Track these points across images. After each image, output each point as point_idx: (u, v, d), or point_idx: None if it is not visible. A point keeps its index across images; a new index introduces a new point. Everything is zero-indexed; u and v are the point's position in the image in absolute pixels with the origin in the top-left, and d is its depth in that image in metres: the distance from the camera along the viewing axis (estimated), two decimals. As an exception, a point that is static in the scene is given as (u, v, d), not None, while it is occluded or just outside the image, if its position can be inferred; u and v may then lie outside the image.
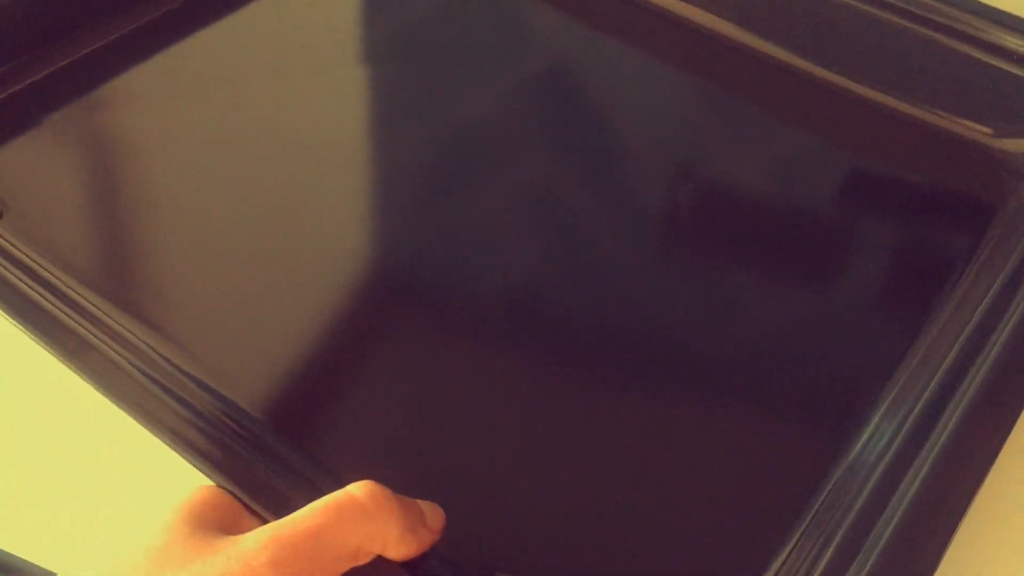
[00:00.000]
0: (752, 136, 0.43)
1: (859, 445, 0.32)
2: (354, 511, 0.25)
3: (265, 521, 0.26)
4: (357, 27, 0.48)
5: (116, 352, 0.31)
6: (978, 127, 0.42)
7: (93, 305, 0.33)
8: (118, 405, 0.30)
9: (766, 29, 0.45)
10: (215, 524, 0.25)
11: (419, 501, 0.28)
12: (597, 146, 0.42)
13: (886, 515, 0.28)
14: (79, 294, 0.33)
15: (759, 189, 0.41)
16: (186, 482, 0.29)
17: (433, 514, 0.28)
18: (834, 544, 0.28)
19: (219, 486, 0.27)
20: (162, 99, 0.43)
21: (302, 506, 0.25)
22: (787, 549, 0.30)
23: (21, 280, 0.33)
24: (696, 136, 0.43)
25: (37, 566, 0.31)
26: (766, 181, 0.41)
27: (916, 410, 0.31)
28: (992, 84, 0.41)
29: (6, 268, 0.34)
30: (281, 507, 0.27)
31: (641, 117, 0.44)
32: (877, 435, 0.32)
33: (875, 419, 0.32)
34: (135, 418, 0.29)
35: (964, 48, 0.42)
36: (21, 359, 0.35)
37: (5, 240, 0.35)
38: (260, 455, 0.29)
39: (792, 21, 0.45)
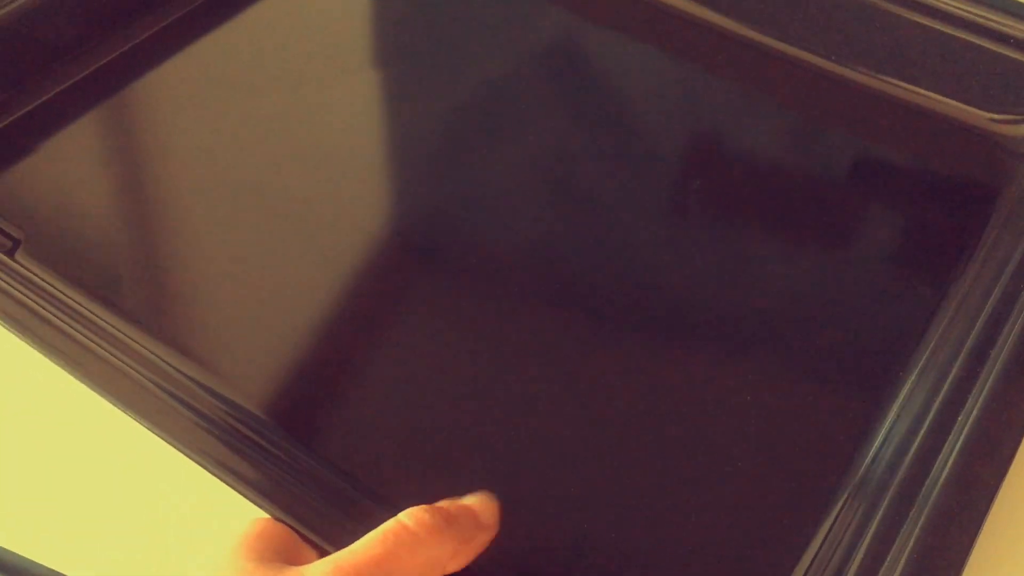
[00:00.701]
0: (752, 123, 0.43)
1: (882, 432, 0.32)
2: (408, 539, 0.25)
3: (323, 551, 0.27)
4: (368, 10, 0.48)
5: (148, 379, 0.31)
6: (978, 112, 0.42)
7: (121, 332, 0.33)
8: (158, 434, 0.30)
9: (767, 21, 0.46)
10: (277, 556, 0.25)
11: (469, 499, 0.28)
12: (607, 121, 0.43)
13: (920, 499, 0.29)
14: (105, 320, 0.33)
15: (760, 178, 0.41)
16: (194, 484, 0.29)
17: (486, 509, 0.28)
18: (875, 521, 0.29)
19: (275, 518, 0.28)
20: (172, 107, 0.43)
21: (348, 528, 0.26)
22: (828, 522, 0.31)
23: (45, 309, 0.33)
24: (699, 123, 0.44)
25: (45, 567, 0.31)
26: (768, 169, 0.42)
27: (933, 406, 0.32)
28: (991, 69, 0.42)
29: (29, 297, 0.33)
30: (331, 533, 0.27)
31: (651, 102, 0.44)
32: (899, 422, 0.32)
33: (891, 412, 0.33)
34: (176, 447, 0.29)
35: (963, 34, 0.42)
36: (33, 373, 0.34)
37: (26, 268, 0.35)
38: (303, 478, 0.29)
39: (794, 11, 0.45)
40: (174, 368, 0.33)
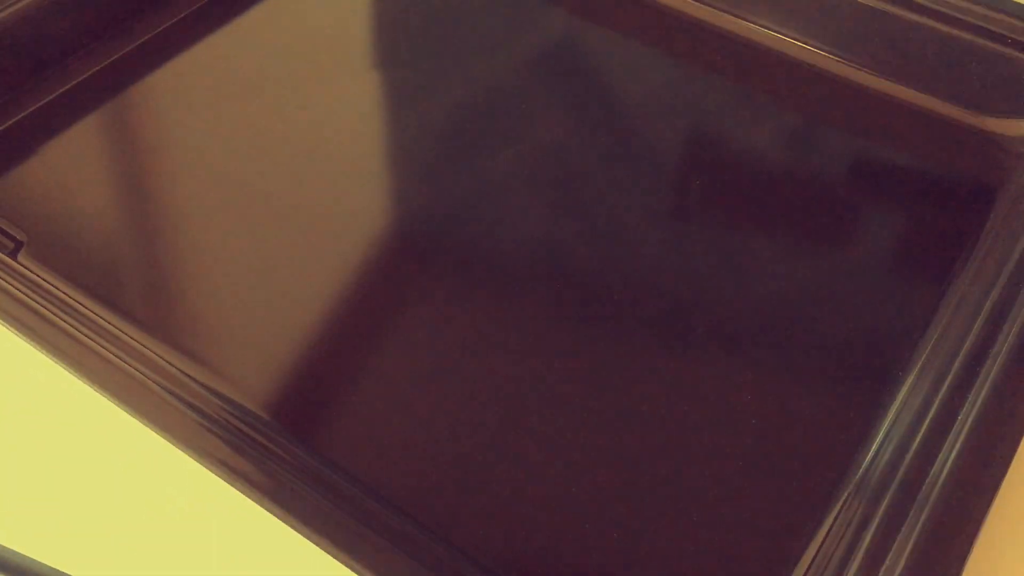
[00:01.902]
0: (752, 123, 0.43)
1: (882, 432, 0.32)
2: None
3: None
4: (369, 11, 0.49)
5: (149, 379, 0.32)
6: (976, 112, 0.42)
7: (123, 332, 0.33)
8: (159, 434, 0.30)
9: (767, 21, 0.46)
10: None
11: None
12: (607, 122, 0.43)
13: (920, 499, 0.29)
14: (107, 320, 0.33)
15: (759, 178, 0.41)
16: (195, 484, 0.29)
17: None
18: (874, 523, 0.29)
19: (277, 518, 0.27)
20: (174, 108, 0.43)
21: (351, 528, 0.26)
22: (828, 522, 0.31)
23: (47, 310, 0.33)
24: (699, 123, 0.44)
25: (46, 566, 0.31)
26: (767, 169, 0.42)
27: (933, 406, 0.32)
28: (990, 69, 0.42)
29: (31, 298, 0.33)
30: (333, 533, 0.27)
31: (651, 102, 0.44)
32: (899, 422, 0.32)
33: (890, 412, 0.33)
34: (177, 447, 0.30)
35: (961, 33, 0.42)
36: (36, 373, 0.34)
37: (28, 269, 0.35)
38: (304, 478, 0.29)
39: (794, 12, 0.45)
40: (175, 368, 0.33)
